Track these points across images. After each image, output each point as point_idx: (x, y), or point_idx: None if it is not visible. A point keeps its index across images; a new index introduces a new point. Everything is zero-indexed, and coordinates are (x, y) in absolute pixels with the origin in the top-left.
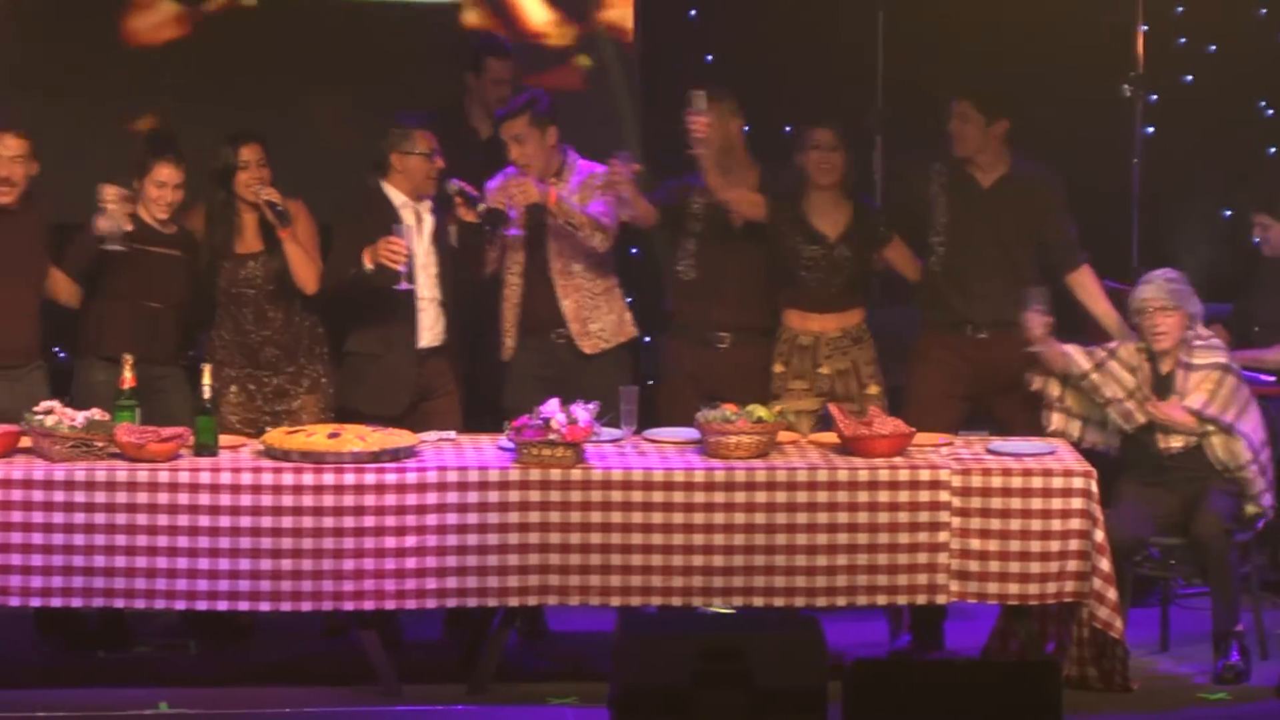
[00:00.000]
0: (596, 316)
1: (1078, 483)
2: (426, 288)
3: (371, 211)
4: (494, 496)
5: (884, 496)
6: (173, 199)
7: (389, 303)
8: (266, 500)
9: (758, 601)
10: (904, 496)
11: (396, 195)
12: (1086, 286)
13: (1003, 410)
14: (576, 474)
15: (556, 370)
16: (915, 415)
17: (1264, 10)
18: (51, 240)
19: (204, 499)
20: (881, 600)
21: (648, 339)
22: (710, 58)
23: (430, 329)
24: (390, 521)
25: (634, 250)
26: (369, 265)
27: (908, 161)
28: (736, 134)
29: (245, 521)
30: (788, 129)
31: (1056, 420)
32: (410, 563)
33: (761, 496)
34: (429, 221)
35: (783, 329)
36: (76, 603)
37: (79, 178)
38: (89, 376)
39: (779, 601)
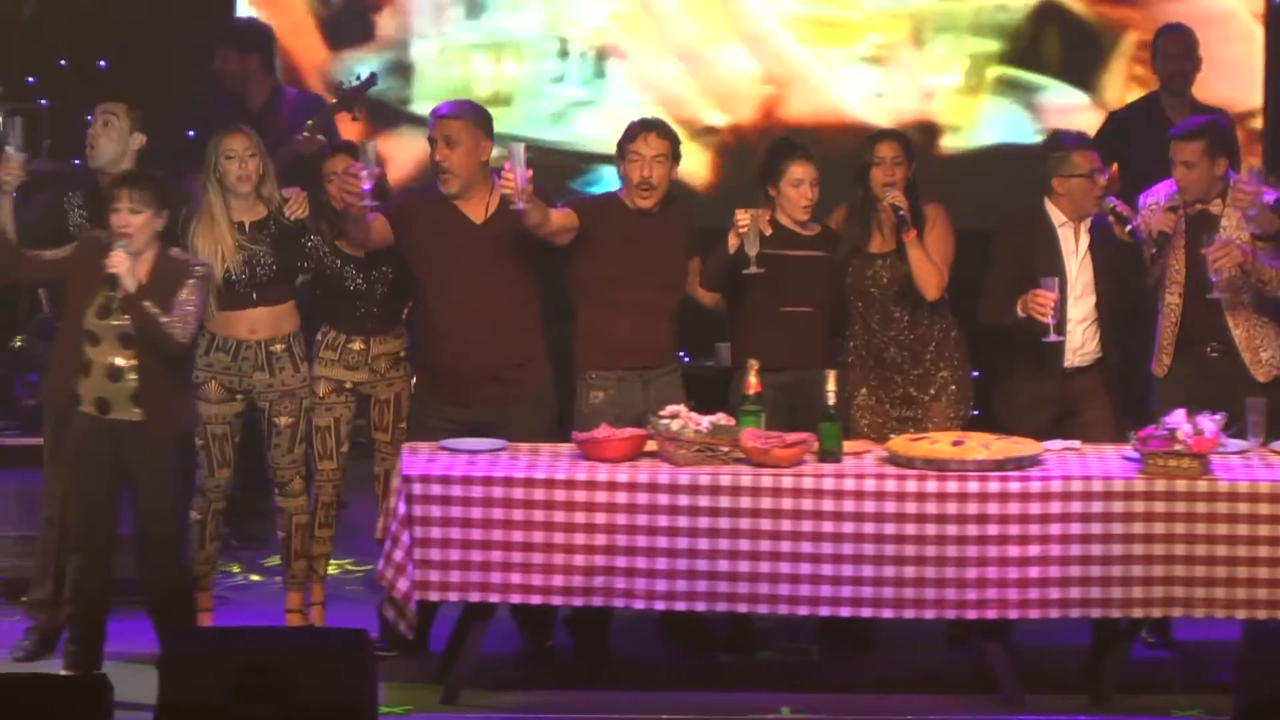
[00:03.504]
0: (1266, 344)
1: None
2: (1076, 308)
3: (1031, 232)
4: (1118, 506)
5: None
6: (811, 197)
7: (1039, 325)
8: (889, 507)
9: None
10: None
11: (1057, 215)
12: None
13: None
14: (1202, 485)
15: (1209, 386)
16: None
17: None
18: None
19: (827, 505)
20: None
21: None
22: None
23: (1078, 350)
24: (1013, 530)
25: None
26: (1020, 313)
27: None
28: None
29: (868, 528)
30: None
31: None
32: (1033, 572)
33: None
34: (1084, 240)
35: None
36: (700, 607)
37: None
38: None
39: None
